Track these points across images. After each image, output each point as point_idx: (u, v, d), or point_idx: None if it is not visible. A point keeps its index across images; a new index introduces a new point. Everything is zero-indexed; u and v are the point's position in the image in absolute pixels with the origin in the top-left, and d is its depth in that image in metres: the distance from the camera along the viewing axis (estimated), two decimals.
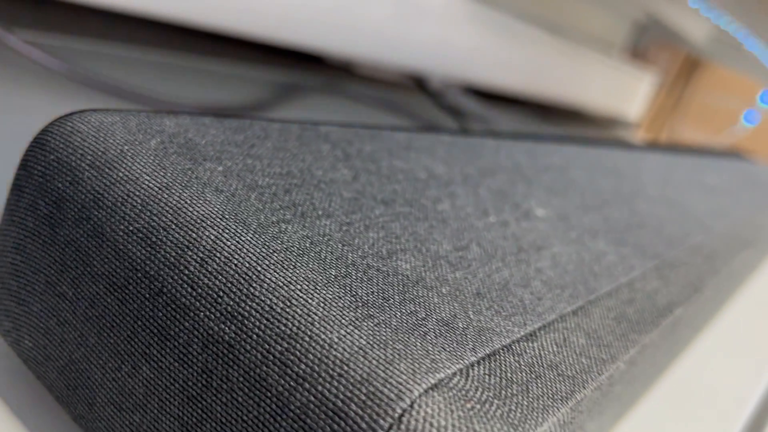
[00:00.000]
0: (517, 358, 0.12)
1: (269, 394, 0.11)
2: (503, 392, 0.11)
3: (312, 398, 0.11)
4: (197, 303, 0.12)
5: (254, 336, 0.11)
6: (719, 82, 1.10)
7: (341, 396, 0.10)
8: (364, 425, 0.10)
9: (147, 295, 0.12)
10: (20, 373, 0.16)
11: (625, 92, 1.05)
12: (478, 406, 0.11)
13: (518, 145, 0.30)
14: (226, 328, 0.11)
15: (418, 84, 0.65)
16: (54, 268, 0.13)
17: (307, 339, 0.11)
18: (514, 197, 0.22)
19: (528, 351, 0.13)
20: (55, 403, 0.15)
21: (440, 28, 0.60)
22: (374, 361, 0.11)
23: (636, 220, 0.26)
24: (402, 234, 0.15)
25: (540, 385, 0.12)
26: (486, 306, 0.14)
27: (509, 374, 0.12)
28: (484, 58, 0.69)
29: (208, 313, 0.12)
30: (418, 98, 0.64)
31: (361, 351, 0.11)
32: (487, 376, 0.12)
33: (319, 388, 0.11)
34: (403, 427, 0.10)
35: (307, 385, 0.11)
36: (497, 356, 0.12)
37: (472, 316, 0.13)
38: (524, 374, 0.12)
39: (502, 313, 0.14)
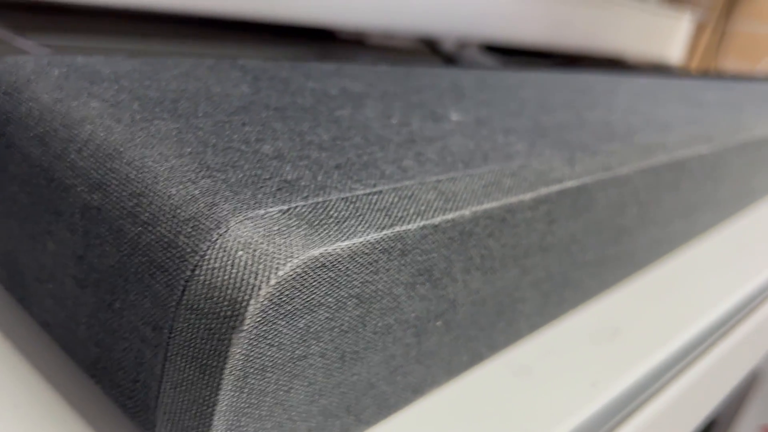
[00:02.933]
0: (347, 204, 0.15)
1: (125, 240, 0.14)
2: (317, 221, 0.14)
3: (152, 237, 0.13)
4: (75, 181, 0.15)
5: (114, 198, 0.14)
6: (761, 12, 1.05)
7: (173, 232, 0.13)
8: (188, 249, 0.13)
9: (44, 184, 0.15)
10: None
11: (664, 35, 1.03)
12: (285, 229, 0.13)
13: (470, 72, 0.31)
14: (95, 196, 0.14)
15: (431, 47, 0.67)
16: None
17: (151, 194, 0.14)
18: (432, 107, 0.24)
19: (363, 200, 0.15)
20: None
21: None
22: (202, 205, 0.13)
23: (576, 123, 0.27)
24: (281, 129, 0.18)
25: (359, 220, 0.14)
26: (340, 174, 0.16)
27: (331, 212, 0.14)
28: (503, 14, 0.69)
29: (83, 187, 0.14)
30: (431, 62, 0.66)
31: (192, 198, 0.13)
32: (307, 213, 0.14)
33: (158, 229, 0.13)
34: (217, 246, 0.12)
35: (150, 228, 0.13)
36: (328, 203, 0.14)
37: (319, 179, 0.15)
38: (348, 213, 0.14)
39: (354, 178, 0.16)
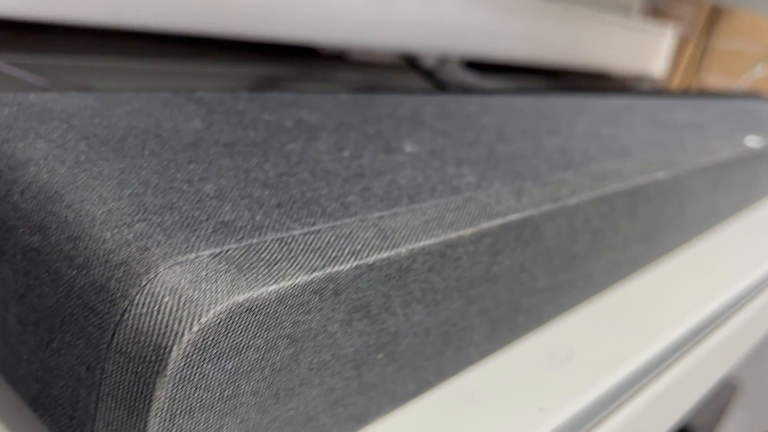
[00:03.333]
0: (281, 246, 0.15)
1: (62, 282, 0.14)
2: (246, 265, 0.14)
3: (87, 280, 0.14)
4: (18, 223, 0.15)
5: (52, 241, 0.14)
6: (743, 28, 1.07)
7: (106, 276, 0.13)
8: (119, 294, 0.13)
9: None
10: None
11: (648, 50, 1.04)
12: (212, 274, 0.13)
13: (433, 98, 0.32)
14: (35, 239, 0.15)
15: (410, 63, 0.67)
16: None
17: (87, 238, 0.14)
18: (388, 138, 0.24)
19: (298, 240, 0.15)
20: None
21: (426, 4, 0.62)
22: (134, 249, 0.14)
23: (533, 151, 0.27)
24: (227, 166, 0.18)
25: (291, 262, 0.15)
26: (280, 212, 0.16)
27: (263, 255, 0.15)
28: (485, 30, 0.70)
29: (24, 229, 0.15)
30: (410, 77, 0.66)
31: (126, 243, 0.14)
32: (238, 256, 0.14)
33: (92, 272, 0.14)
34: (145, 291, 0.13)
35: (84, 272, 0.14)
36: (262, 245, 0.15)
37: (257, 219, 0.16)
38: (280, 254, 0.15)
39: (293, 217, 0.16)
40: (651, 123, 0.41)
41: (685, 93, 0.70)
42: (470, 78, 0.70)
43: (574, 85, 0.91)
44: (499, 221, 0.20)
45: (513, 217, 0.21)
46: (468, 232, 0.19)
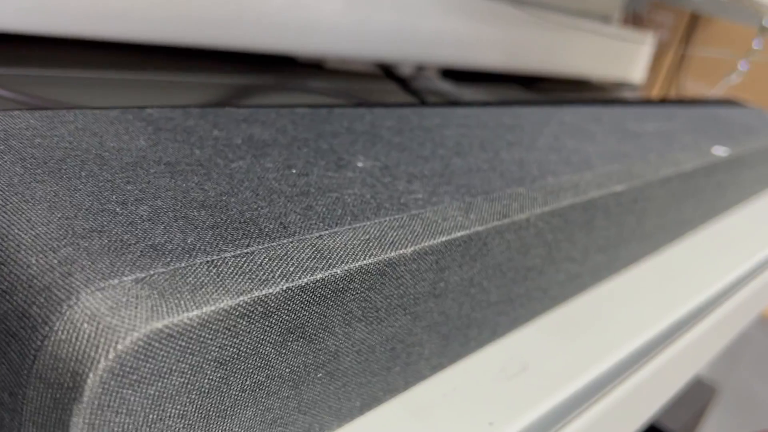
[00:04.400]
0: (210, 269, 0.15)
1: None
2: (170, 290, 0.14)
3: (9, 306, 0.14)
4: None
5: None
6: (720, 35, 1.08)
7: (27, 302, 0.13)
8: (39, 320, 0.13)
9: None
10: None
11: (627, 57, 1.04)
12: (133, 300, 0.13)
13: (394, 111, 0.32)
14: None
15: (386, 71, 0.67)
16: None
17: (11, 263, 0.14)
18: (340, 154, 0.24)
19: (228, 263, 0.16)
20: None
21: (404, 14, 0.63)
22: (58, 275, 0.14)
23: (489, 165, 0.27)
24: (166, 186, 0.18)
25: (216, 286, 0.15)
26: (214, 234, 0.17)
27: (189, 279, 0.15)
28: (462, 39, 0.70)
29: None
30: (386, 86, 0.67)
31: (50, 268, 0.14)
32: (162, 281, 0.14)
33: (15, 298, 0.14)
34: (65, 318, 0.13)
35: (8, 297, 0.14)
36: (189, 268, 0.15)
37: (189, 241, 0.16)
38: (207, 278, 0.15)
39: (227, 239, 0.16)
40: (618, 133, 0.41)
41: (662, 101, 0.70)
42: (447, 87, 0.70)
43: (553, 92, 0.91)
44: (443, 238, 0.20)
45: (458, 234, 0.21)
46: (409, 250, 0.19)
